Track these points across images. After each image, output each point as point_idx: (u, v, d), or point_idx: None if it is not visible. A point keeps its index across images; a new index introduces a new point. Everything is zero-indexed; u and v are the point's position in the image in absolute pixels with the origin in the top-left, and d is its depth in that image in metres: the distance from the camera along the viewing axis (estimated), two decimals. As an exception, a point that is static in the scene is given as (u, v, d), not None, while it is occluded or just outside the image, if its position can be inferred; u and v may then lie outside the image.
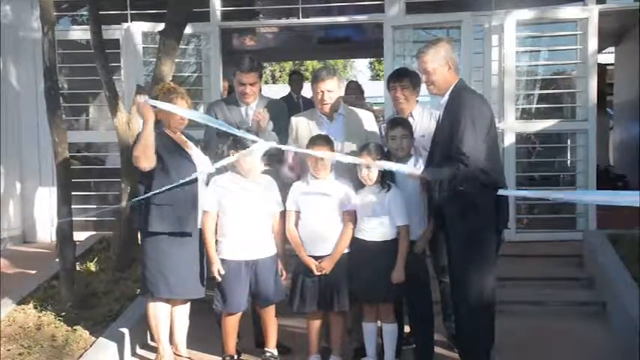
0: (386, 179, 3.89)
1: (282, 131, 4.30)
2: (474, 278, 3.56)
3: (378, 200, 3.85)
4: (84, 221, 6.90)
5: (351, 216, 3.94)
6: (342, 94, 4.25)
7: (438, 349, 4.18)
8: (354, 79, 12.09)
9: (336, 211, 3.95)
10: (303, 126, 4.22)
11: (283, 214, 4.06)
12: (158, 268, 3.93)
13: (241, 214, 3.97)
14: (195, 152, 4.10)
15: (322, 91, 4.08)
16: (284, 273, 4.10)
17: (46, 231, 7.25)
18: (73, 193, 4.96)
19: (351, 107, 4.40)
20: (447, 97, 3.68)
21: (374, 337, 3.99)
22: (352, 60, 28.94)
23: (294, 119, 4.30)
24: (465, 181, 3.48)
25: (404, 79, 4.28)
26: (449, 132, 3.58)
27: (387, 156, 3.92)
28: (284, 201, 4.06)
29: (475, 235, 3.54)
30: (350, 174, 4.01)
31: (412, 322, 4.08)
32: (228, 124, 4.26)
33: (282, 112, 4.46)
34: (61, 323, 4.39)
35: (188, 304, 4.17)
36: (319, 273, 3.89)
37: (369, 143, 3.96)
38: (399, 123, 4.06)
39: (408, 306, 4.04)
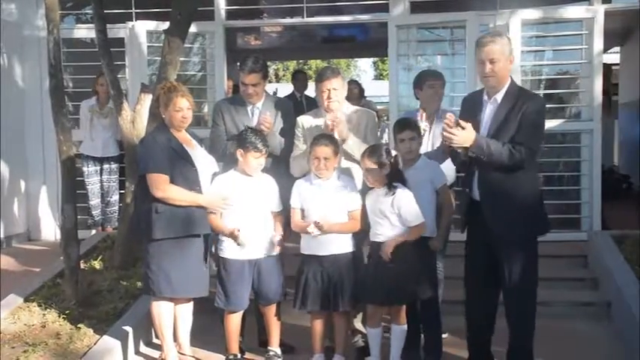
0: (393, 181, 3.82)
1: (289, 131, 4.31)
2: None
3: (387, 202, 3.80)
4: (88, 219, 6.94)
5: (356, 215, 3.93)
6: (346, 93, 4.25)
7: (445, 348, 4.18)
8: (355, 79, 12.08)
9: (339, 211, 3.94)
10: (308, 125, 4.23)
11: (281, 214, 4.08)
12: (161, 268, 3.92)
13: (244, 213, 3.97)
14: (198, 152, 4.10)
15: (327, 90, 4.09)
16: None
17: (51, 229, 7.27)
18: (77, 191, 4.97)
19: (354, 107, 4.40)
20: (502, 93, 3.59)
21: (378, 339, 3.97)
22: (355, 59, 28.96)
23: (299, 118, 4.30)
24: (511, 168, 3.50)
25: (442, 77, 4.57)
26: (507, 131, 3.52)
27: (393, 158, 3.86)
28: (287, 199, 4.06)
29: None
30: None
31: (422, 321, 4.09)
32: (234, 123, 4.27)
33: (289, 111, 4.46)
34: (66, 321, 4.40)
35: (192, 303, 4.18)
36: (317, 232, 3.83)
37: (373, 145, 3.95)
38: (406, 125, 4.05)
39: (420, 306, 4.03)
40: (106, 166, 6.81)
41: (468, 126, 3.48)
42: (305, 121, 4.27)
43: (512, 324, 3.69)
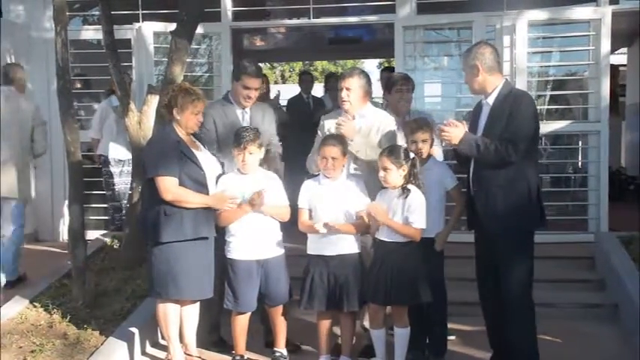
0: (409, 183, 3.80)
1: (272, 135, 4.40)
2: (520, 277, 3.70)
3: (399, 203, 3.79)
4: (95, 220, 6.96)
5: (363, 216, 3.92)
6: (365, 94, 4.16)
7: (452, 350, 4.19)
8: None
9: (346, 212, 3.94)
10: (329, 126, 4.21)
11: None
12: (167, 270, 3.90)
13: (250, 214, 3.97)
14: (203, 154, 4.10)
15: (340, 88, 4.12)
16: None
17: (58, 230, 7.29)
18: (84, 192, 4.98)
19: (375, 109, 4.33)
20: (494, 96, 3.74)
21: (382, 341, 3.96)
22: (362, 60, 28.92)
23: (323, 119, 4.34)
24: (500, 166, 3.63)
25: (411, 81, 4.67)
26: (496, 130, 3.65)
27: (411, 160, 3.82)
28: (295, 198, 4.06)
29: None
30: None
31: (428, 320, 4.08)
32: (224, 124, 4.25)
33: (271, 115, 4.52)
34: (72, 322, 4.41)
35: (198, 304, 4.18)
36: (324, 230, 3.83)
37: (392, 145, 3.94)
38: (420, 127, 4.04)
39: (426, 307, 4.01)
40: (126, 168, 6.77)
41: (458, 124, 3.69)
42: (328, 122, 4.25)
43: (505, 324, 3.70)
